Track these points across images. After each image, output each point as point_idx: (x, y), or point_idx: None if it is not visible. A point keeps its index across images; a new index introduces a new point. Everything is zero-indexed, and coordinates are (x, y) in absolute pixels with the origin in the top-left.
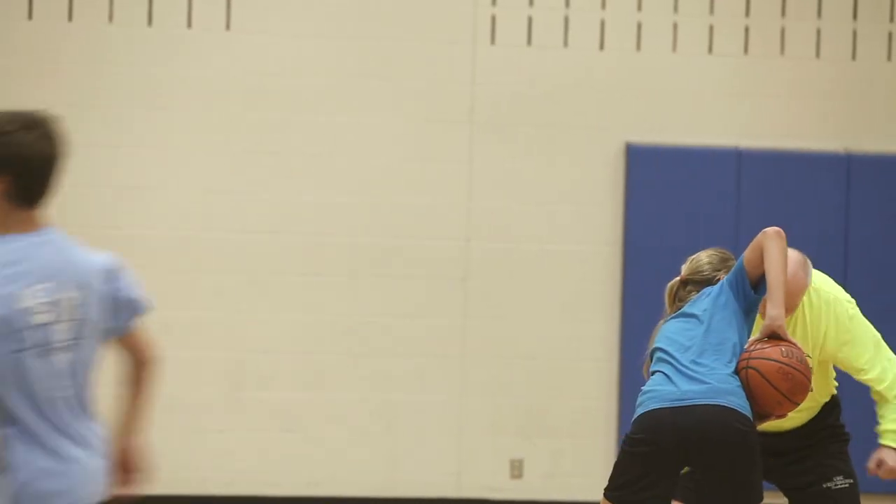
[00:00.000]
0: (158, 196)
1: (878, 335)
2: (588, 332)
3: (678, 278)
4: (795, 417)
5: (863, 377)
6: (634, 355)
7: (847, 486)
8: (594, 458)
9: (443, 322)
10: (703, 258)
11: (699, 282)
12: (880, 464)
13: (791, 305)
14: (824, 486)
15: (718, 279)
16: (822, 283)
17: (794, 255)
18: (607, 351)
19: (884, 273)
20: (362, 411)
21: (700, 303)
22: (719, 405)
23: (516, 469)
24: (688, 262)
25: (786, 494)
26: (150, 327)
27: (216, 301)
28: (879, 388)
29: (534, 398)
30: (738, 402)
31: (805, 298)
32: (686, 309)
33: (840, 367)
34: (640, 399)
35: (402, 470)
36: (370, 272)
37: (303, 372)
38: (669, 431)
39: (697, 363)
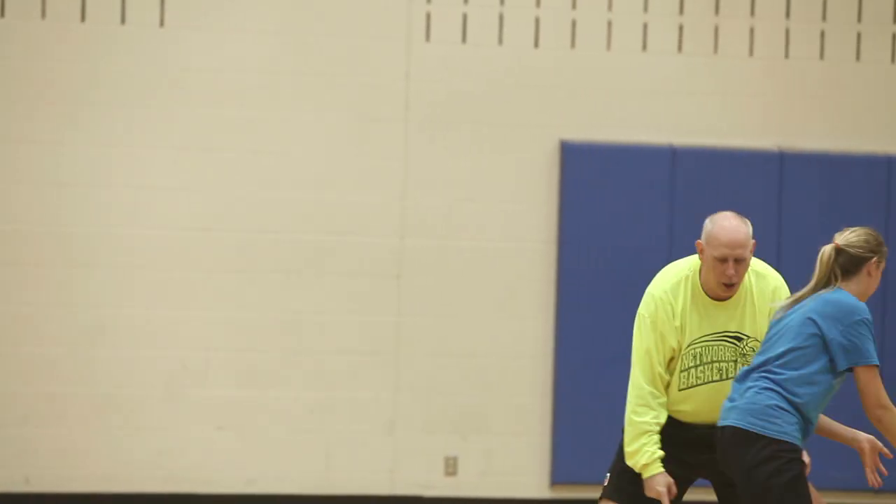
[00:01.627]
0: (92, 193)
1: None
2: (523, 330)
3: (832, 245)
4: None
5: None
6: (569, 353)
7: None
8: (528, 455)
9: (377, 320)
10: (861, 234)
11: (850, 256)
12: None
13: (740, 255)
14: None
15: (871, 262)
16: (767, 269)
17: (729, 213)
18: (542, 348)
19: None
20: (297, 409)
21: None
22: (736, 427)
23: (450, 466)
24: (844, 232)
25: (717, 491)
26: (86, 325)
27: (152, 299)
28: None
29: (468, 396)
30: (758, 422)
31: (752, 279)
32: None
33: None
34: None
35: (336, 467)
36: (305, 269)
37: (238, 369)
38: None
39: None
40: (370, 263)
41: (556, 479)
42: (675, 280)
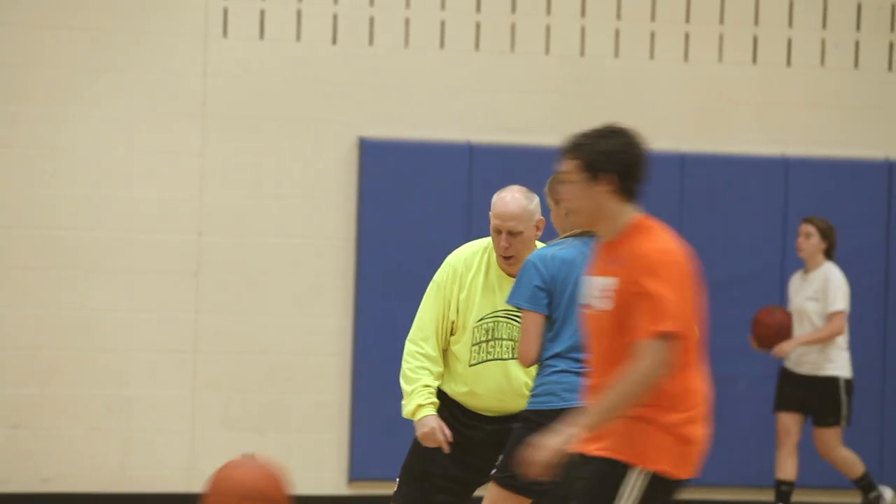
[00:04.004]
0: None
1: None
2: (322, 327)
3: None
4: (519, 403)
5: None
6: (368, 349)
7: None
8: (327, 451)
9: (175, 317)
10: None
11: None
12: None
13: (512, 228)
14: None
15: None
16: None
17: (516, 186)
18: (341, 345)
19: None
20: (94, 407)
21: None
22: None
23: None
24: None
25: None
26: None
27: None
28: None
29: (267, 393)
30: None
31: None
32: None
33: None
34: None
35: (133, 465)
36: (102, 266)
37: (34, 368)
38: None
39: None
40: (167, 260)
41: (354, 476)
42: (471, 251)
